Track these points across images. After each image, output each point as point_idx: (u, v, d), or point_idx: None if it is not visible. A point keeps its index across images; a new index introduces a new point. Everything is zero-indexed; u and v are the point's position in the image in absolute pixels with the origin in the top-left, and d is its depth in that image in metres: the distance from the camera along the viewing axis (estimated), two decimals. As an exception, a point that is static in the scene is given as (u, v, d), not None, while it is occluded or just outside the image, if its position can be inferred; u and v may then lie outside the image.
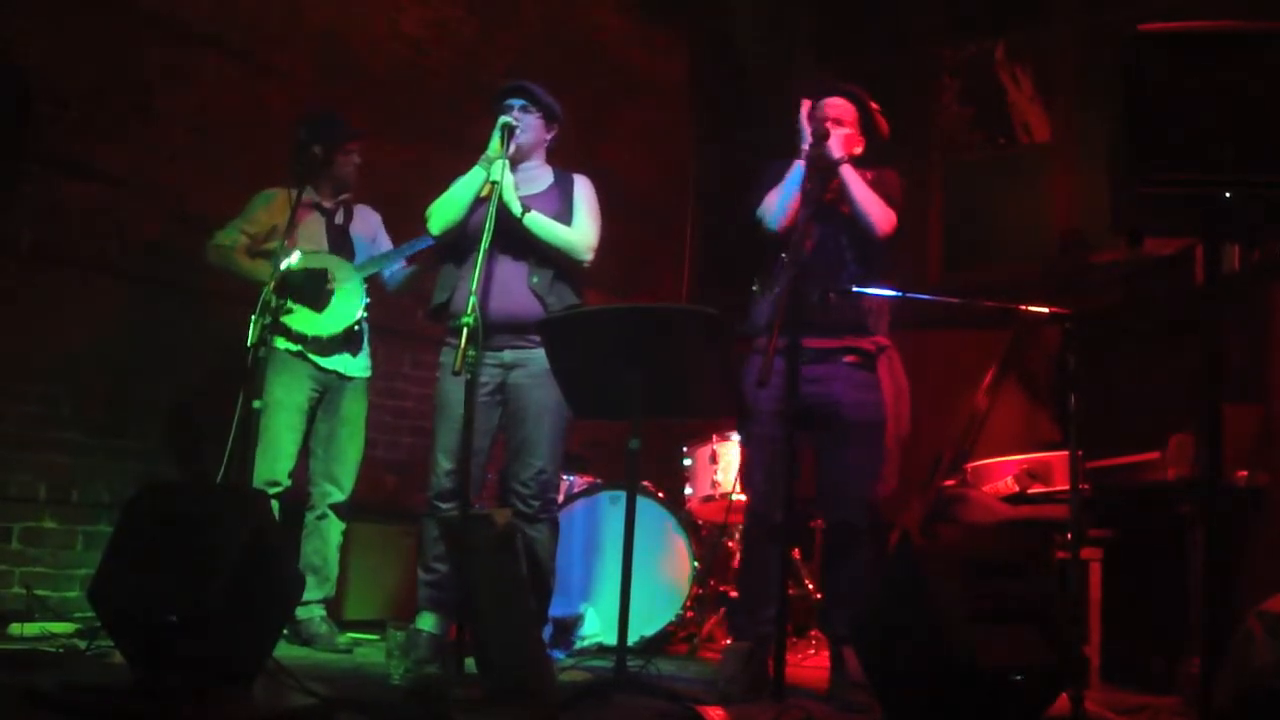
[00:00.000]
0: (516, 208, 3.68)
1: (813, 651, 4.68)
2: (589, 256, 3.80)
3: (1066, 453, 3.75)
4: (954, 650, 2.55)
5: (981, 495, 4.36)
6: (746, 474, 3.74)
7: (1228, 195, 2.38)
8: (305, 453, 4.19)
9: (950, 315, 3.90)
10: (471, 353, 3.26)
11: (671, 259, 7.12)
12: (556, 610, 4.25)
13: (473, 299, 3.28)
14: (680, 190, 7.18)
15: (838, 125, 3.66)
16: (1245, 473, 3.68)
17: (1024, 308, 3.50)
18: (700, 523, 5.03)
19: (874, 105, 3.76)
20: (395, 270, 4.38)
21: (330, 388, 4.19)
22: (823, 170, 3.58)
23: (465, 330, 3.24)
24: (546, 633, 4.11)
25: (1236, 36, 2.40)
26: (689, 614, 4.67)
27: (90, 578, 2.93)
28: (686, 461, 5.18)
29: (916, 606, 2.67)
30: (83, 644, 3.39)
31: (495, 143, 3.70)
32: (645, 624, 4.45)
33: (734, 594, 4.86)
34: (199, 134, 4.76)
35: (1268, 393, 3.79)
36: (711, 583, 4.91)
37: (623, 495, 3.62)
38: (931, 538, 2.89)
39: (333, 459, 4.18)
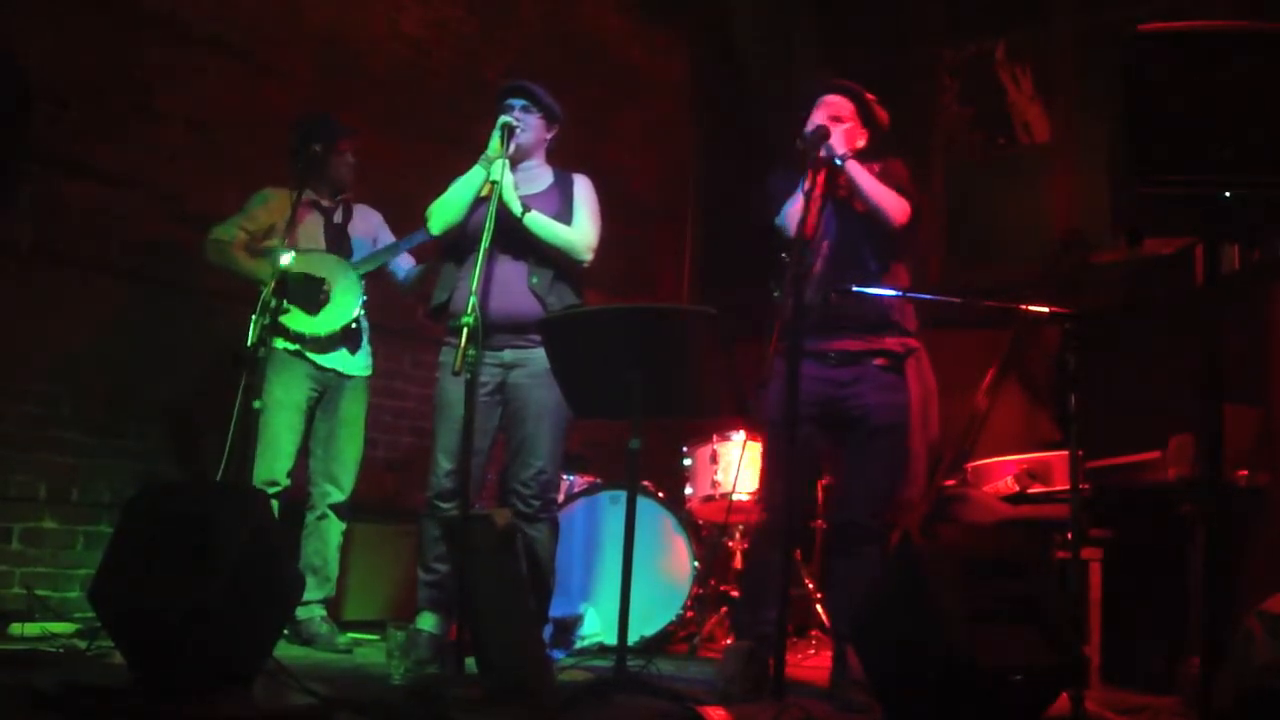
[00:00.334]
0: (517, 207, 3.68)
1: (813, 651, 4.68)
2: (589, 256, 3.80)
3: (1066, 453, 3.74)
4: (954, 650, 2.55)
5: (981, 495, 4.35)
6: (767, 477, 3.74)
7: (1227, 195, 2.38)
8: (305, 453, 4.19)
9: (950, 315, 3.89)
10: (471, 352, 3.26)
11: (671, 259, 7.12)
12: (556, 610, 4.25)
13: (473, 299, 3.29)
14: (680, 190, 7.18)
15: (837, 122, 3.65)
16: (1245, 473, 3.68)
17: (1024, 308, 3.50)
18: (700, 523, 5.03)
19: (870, 96, 3.76)
20: (408, 270, 4.37)
21: (329, 387, 4.19)
22: (829, 168, 3.58)
23: (465, 330, 3.24)
24: (546, 633, 4.11)
25: (1236, 36, 2.40)
26: (689, 614, 4.67)
27: (90, 578, 2.93)
28: (687, 461, 5.18)
29: (916, 606, 2.67)
30: (83, 644, 3.39)
31: (495, 142, 3.70)
32: (645, 624, 4.45)
33: (735, 594, 4.88)
34: (199, 134, 4.76)
35: (1268, 393, 3.79)
36: (711, 583, 4.91)
37: (623, 495, 3.63)
38: (932, 538, 2.88)
39: (332, 459, 4.18)
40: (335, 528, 4.17)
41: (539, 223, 3.71)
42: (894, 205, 3.57)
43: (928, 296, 3.65)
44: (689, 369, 3.18)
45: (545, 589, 3.74)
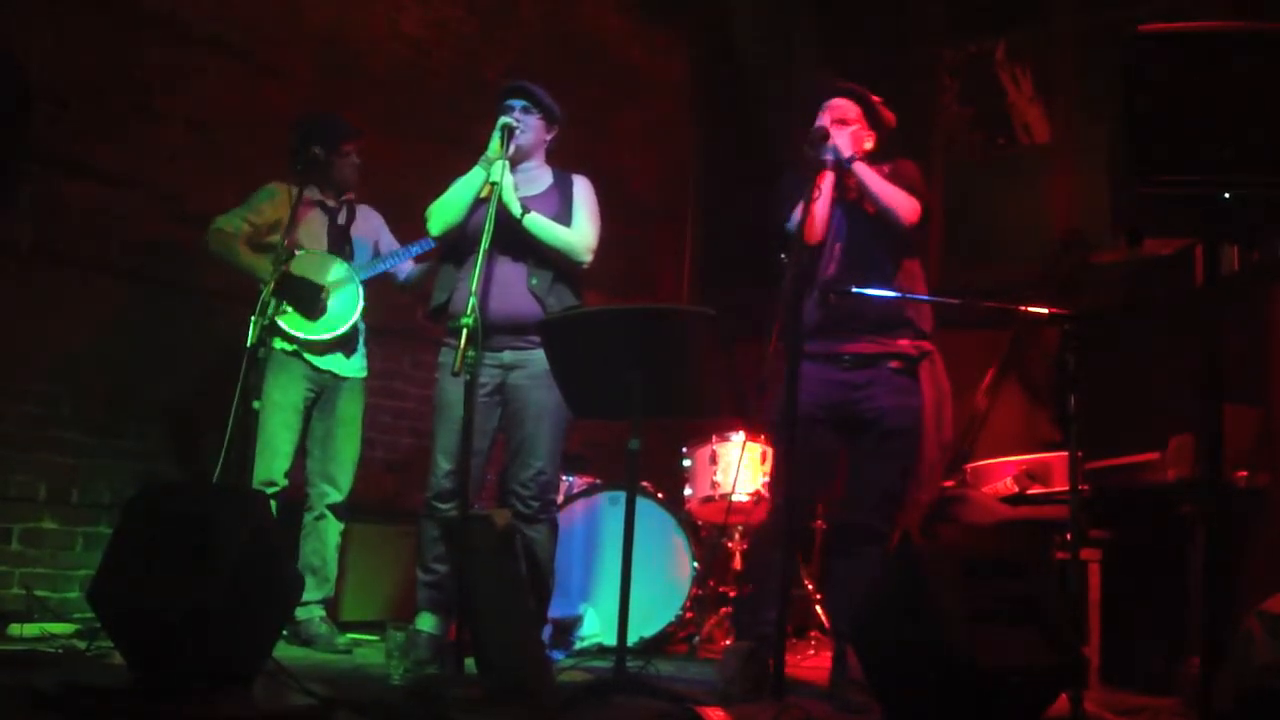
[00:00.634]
0: (516, 209, 3.68)
1: (812, 652, 4.68)
2: (588, 258, 3.80)
3: (1066, 453, 3.74)
4: (954, 650, 2.55)
5: (981, 496, 4.35)
6: (777, 478, 3.75)
7: (1227, 195, 2.38)
8: (302, 453, 4.19)
9: (950, 315, 3.90)
10: (471, 353, 3.26)
11: (671, 259, 7.12)
12: (556, 611, 4.25)
13: (472, 300, 3.29)
14: (680, 190, 7.17)
15: (842, 125, 3.66)
16: (1245, 473, 3.68)
17: (1024, 308, 3.50)
18: (700, 523, 5.03)
19: (875, 98, 3.77)
20: (409, 271, 4.38)
21: (326, 388, 4.19)
22: (836, 170, 3.58)
23: (464, 331, 3.24)
24: (546, 633, 4.11)
25: (1236, 36, 2.40)
26: (688, 615, 4.67)
27: (90, 578, 2.93)
28: (686, 462, 5.18)
29: (916, 607, 2.67)
30: (83, 644, 3.39)
31: (495, 143, 3.70)
32: (645, 624, 4.45)
33: (734, 594, 4.88)
34: (199, 134, 4.76)
35: (1268, 393, 3.79)
36: (711, 583, 4.91)
37: (622, 496, 3.62)
38: (931, 538, 2.88)
39: (329, 459, 4.18)
40: (333, 528, 4.17)
41: (538, 224, 3.71)
42: (904, 205, 3.57)
43: (927, 298, 3.65)
44: (689, 369, 3.18)
45: (544, 589, 3.74)
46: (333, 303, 4.15)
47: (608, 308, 3.56)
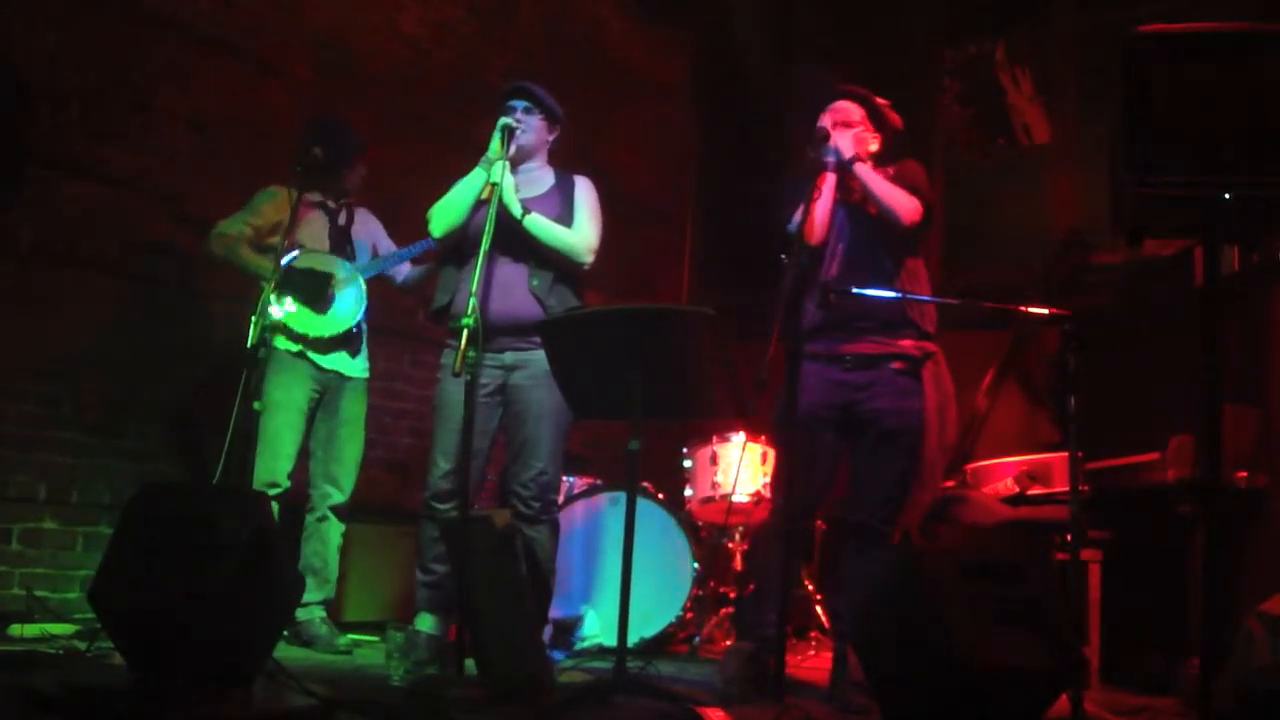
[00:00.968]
0: (517, 209, 3.68)
1: (813, 652, 4.68)
2: (589, 258, 3.80)
3: (1066, 454, 3.75)
4: (954, 651, 2.55)
5: (981, 496, 4.36)
6: (780, 478, 3.75)
7: (1227, 196, 2.38)
8: (304, 454, 4.19)
9: (950, 316, 3.90)
10: (471, 354, 3.26)
11: (671, 259, 7.12)
12: (556, 611, 4.25)
13: (472, 300, 3.28)
14: (680, 190, 7.18)
15: (845, 127, 3.66)
16: (1245, 474, 3.68)
17: (1024, 309, 3.50)
18: (700, 524, 5.03)
19: (880, 100, 3.76)
20: (407, 273, 4.40)
21: (330, 388, 4.19)
22: (838, 171, 3.58)
23: (465, 332, 3.24)
24: (546, 634, 4.11)
25: (1236, 36, 2.40)
26: (689, 615, 4.67)
27: (90, 579, 2.92)
28: (687, 463, 5.18)
29: (916, 607, 2.66)
30: (83, 645, 3.39)
31: (495, 144, 3.70)
32: (645, 625, 4.45)
33: (734, 595, 4.88)
34: (200, 134, 4.76)
35: (1267, 394, 3.79)
36: (711, 584, 4.91)
37: (622, 496, 3.63)
38: (931, 538, 2.88)
39: (332, 460, 4.18)
40: (335, 529, 4.17)
41: (539, 225, 3.71)
42: (904, 205, 3.57)
43: (927, 298, 3.65)
44: (689, 369, 3.18)
45: (545, 590, 3.73)
46: (337, 301, 4.16)
47: (608, 308, 3.56)
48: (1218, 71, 2.38)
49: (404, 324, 5.20)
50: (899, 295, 3.55)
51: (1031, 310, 3.46)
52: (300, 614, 3.99)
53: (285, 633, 3.69)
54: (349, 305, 4.18)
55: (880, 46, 6.60)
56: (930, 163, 6.39)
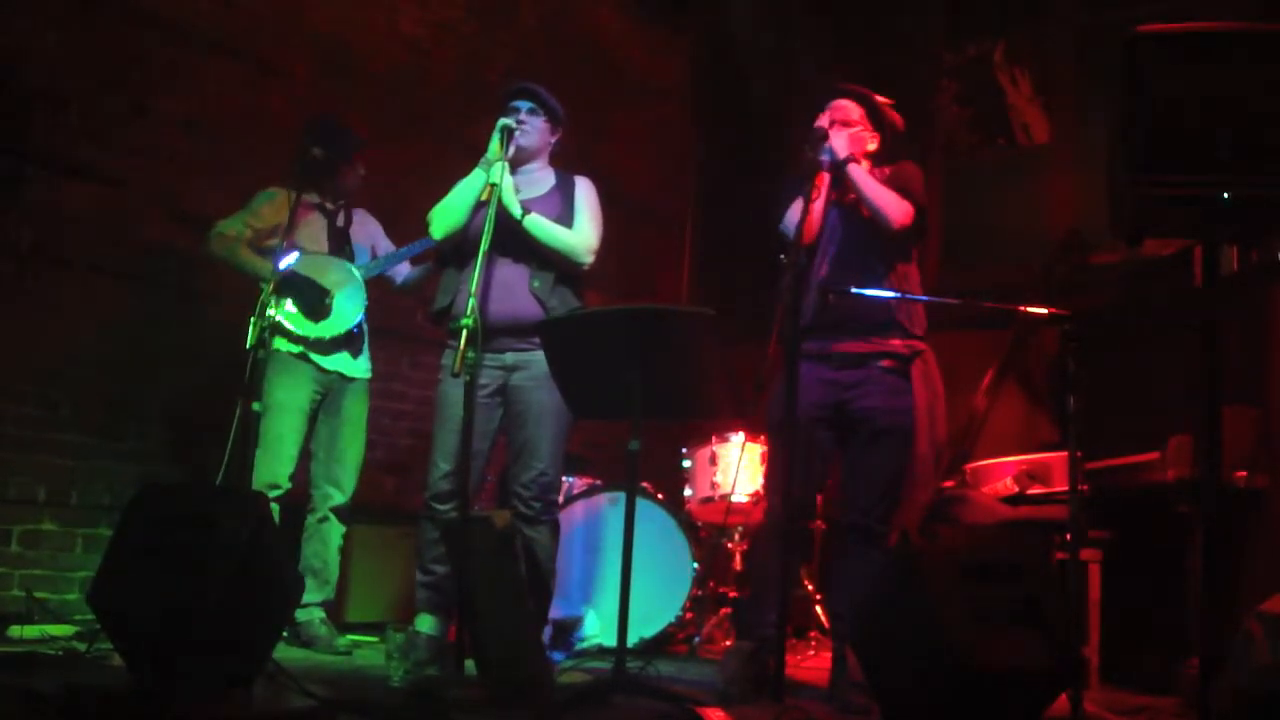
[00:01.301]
0: (516, 210, 3.68)
1: (812, 652, 4.68)
2: (589, 259, 3.80)
3: (1066, 453, 3.74)
4: (953, 651, 2.55)
5: (981, 496, 4.35)
6: (773, 477, 3.75)
7: (1227, 195, 2.38)
8: (305, 455, 4.19)
9: (950, 316, 3.90)
10: (470, 355, 3.26)
11: (671, 259, 7.12)
12: (556, 612, 4.24)
13: (472, 300, 3.28)
14: (680, 190, 7.17)
15: (844, 126, 3.66)
16: (1244, 474, 3.68)
17: (1024, 308, 3.50)
18: (699, 524, 5.03)
19: (882, 100, 3.76)
20: (406, 274, 4.40)
21: (332, 389, 4.19)
22: (832, 171, 3.58)
23: (464, 332, 3.24)
24: (546, 634, 4.11)
25: (1236, 36, 2.40)
26: (688, 615, 4.67)
27: (90, 580, 2.92)
28: (686, 463, 5.18)
29: (916, 607, 2.67)
30: (82, 646, 3.39)
31: (495, 145, 3.70)
32: (645, 625, 4.45)
33: (734, 595, 4.88)
34: (199, 135, 4.76)
35: (1267, 394, 3.79)
36: (711, 584, 4.91)
37: (622, 496, 3.62)
38: (931, 538, 2.88)
39: (334, 461, 4.18)
40: (336, 530, 4.17)
41: (539, 225, 3.71)
42: (894, 208, 3.56)
43: (926, 298, 3.65)
44: (688, 370, 3.18)
45: (545, 591, 3.74)
46: (337, 303, 4.15)
47: (608, 308, 3.56)
48: (1217, 71, 2.38)
49: (404, 325, 5.20)
50: (900, 295, 3.55)
51: (1031, 310, 3.46)
52: (300, 615, 3.99)
53: (285, 633, 3.69)
54: (348, 307, 4.18)
55: (880, 46, 6.60)
56: (930, 163, 6.41)
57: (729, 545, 5.05)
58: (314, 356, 4.13)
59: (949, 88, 6.53)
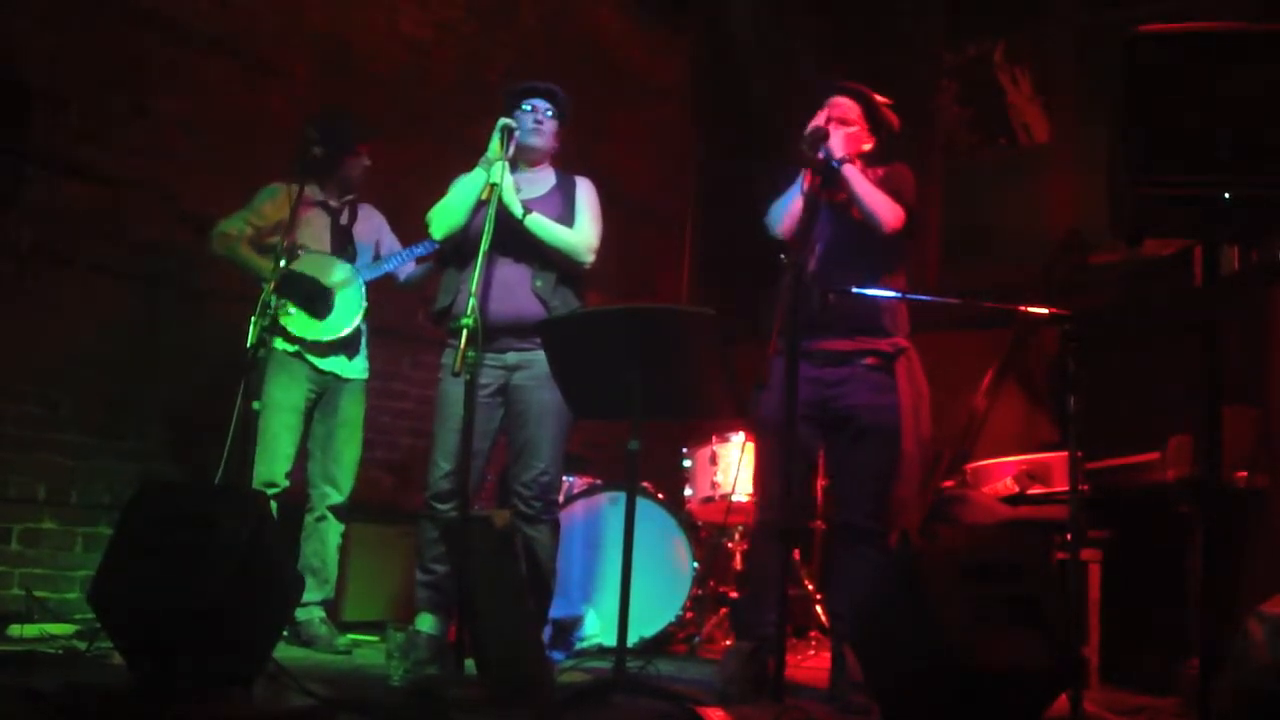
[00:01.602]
0: (517, 209, 3.68)
1: (812, 652, 4.68)
2: (590, 258, 3.80)
3: (1066, 453, 3.74)
4: (953, 651, 2.55)
5: (981, 496, 4.35)
6: (761, 477, 3.74)
7: (1227, 196, 2.38)
8: (303, 454, 4.19)
9: (949, 316, 3.90)
10: (471, 354, 3.26)
11: (671, 259, 7.12)
12: (556, 611, 4.24)
13: (472, 300, 3.28)
14: (680, 190, 7.18)
15: (843, 124, 3.65)
16: (1244, 474, 3.68)
17: (1024, 308, 3.50)
18: (700, 524, 5.03)
19: (881, 100, 3.75)
20: (409, 273, 4.39)
21: (328, 389, 4.19)
22: (825, 171, 3.57)
23: (465, 331, 3.24)
24: (546, 634, 4.11)
25: (1236, 37, 2.40)
26: (688, 615, 4.67)
27: (90, 579, 2.93)
28: (686, 463, 5.19)
29: (915, 607, 2.67)
30: (82, 645, 3.39)
31: (495, 144, 3.70)
32: (645, 625, 4.45)
33: (734, 594, 4.88)
34: (198, 134, 4.76)
35: (1267, 394, 3.79)
36: (711, 583, 4.91)
37: (622, 496, 3.62)
38: (930, 538, 2.88)
39: (331, 460, 4.18)
40: (334, 529, 4.17)
41: (540, 225, 3.71)
42: (886, 211, 3.54)
43: (926, 298, 3.65)
44: (688, 370, 3.18)
45: (545, 590, 3.74)
46: (337, 306, 4.15)
47: (608, 308, 3.56)
48: (1217, 71, 2.38)
49: (404, 324, 5.20)
50: (900, 296, 3.55)
51: (1031, 310, 3.46)
52: (300, 614, 3.99)
53: (285, 633, 3.69)
54: (347, 309, 4.17)
55: (880, 46, 6.60)
56: (930, 163, 6.41)
57: (729, 545, 5.05)
58: (309, 356, 4.13)
59: (949, 88, 6.54)
